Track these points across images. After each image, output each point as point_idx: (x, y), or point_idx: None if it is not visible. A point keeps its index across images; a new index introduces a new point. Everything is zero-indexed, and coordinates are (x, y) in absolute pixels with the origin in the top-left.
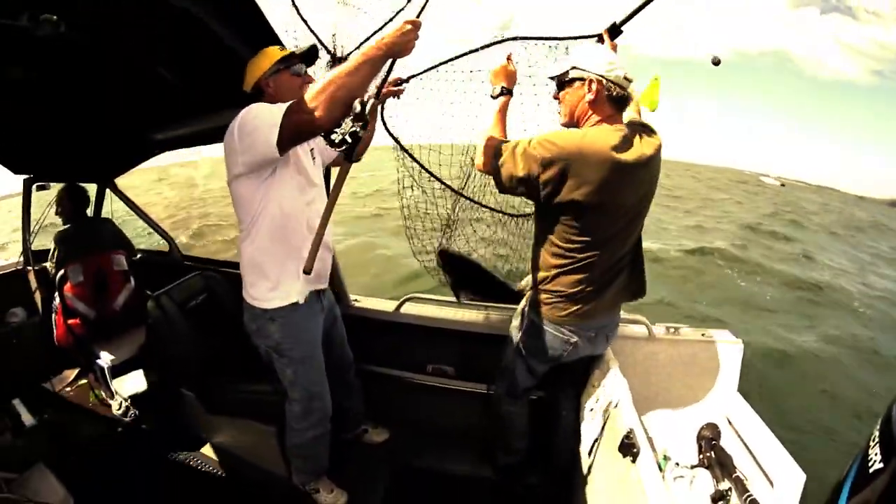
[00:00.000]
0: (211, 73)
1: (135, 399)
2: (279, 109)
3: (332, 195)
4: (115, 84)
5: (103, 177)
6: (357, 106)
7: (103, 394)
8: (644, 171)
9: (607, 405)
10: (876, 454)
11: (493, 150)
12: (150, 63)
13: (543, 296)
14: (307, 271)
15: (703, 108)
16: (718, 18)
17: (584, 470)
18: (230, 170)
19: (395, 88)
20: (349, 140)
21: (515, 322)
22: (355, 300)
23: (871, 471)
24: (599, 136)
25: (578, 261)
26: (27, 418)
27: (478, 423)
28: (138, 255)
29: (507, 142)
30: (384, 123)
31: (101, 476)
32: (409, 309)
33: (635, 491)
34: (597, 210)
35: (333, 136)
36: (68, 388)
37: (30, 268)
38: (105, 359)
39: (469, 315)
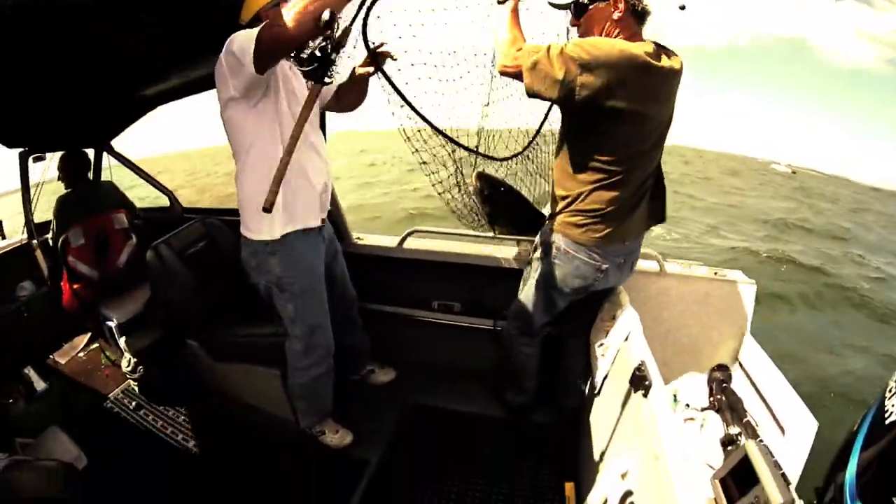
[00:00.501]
0: (194, 20)
1: (142, 354)
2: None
3: (300, 117)
4: (100, 43)
5: (98, 141)
6: (326, 15)
7: (114, 354)
8: (674, 85)
9: (619, 340)
10: (893, 405)
11: (521, 51)
12: (134, 15)
13: (576, 217)
14: (267, 208)
15: (718, 94)
16: (735, 4)
17: (595, 407)
18: (221, 96)
19: (385, 50)
20: (318, 55)
21: (537, 253)
22: (357, 238)
23: (887, 422)
24: (633, 46)
25: (613, 175)
26: (39, 385)
27: (485, 360)
28: (139, 214)
29: (535, 44)
30: (384, 75)
31: (113, 434)
32: (413, 244)
33: (648, 426)
34: (633, 119)
35: (303, 54)
36: (81, 354)
37: (34, 241)
38: (111, 318)
39: (475, 249)
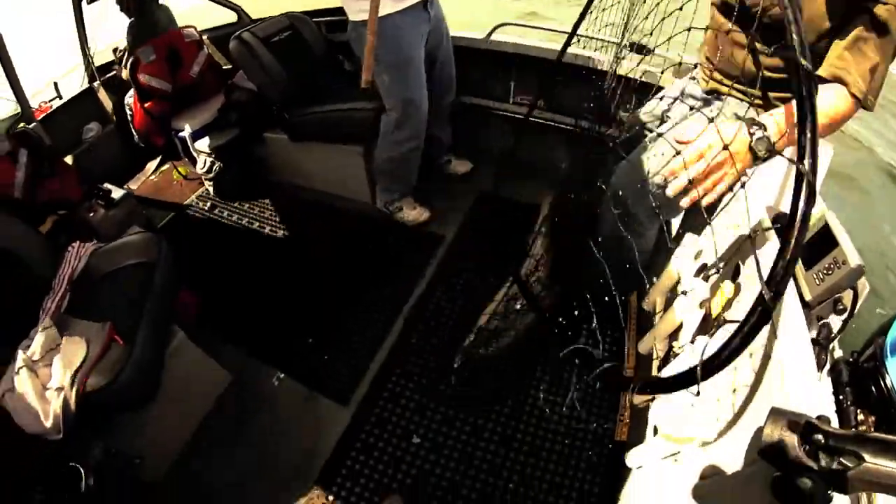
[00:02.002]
0: None
1: (217, 153)
2: None
3: None
4: None
5: None
6: None
7: (187, 168)
8: None
9: None
10: None
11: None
12: None
13: None
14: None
15: None
16: None
17: None
18: None
19: None
20: None
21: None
22: None
23: None
24: None
25: None
26: (116, 192)
27: (561, 158)
28: (206, 34)
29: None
30: None
31: (193, 234)
32: (500, 37)
33: None
34: None
35: None
36: (152, 177)
37: (96, 83)
38: (185, 127)
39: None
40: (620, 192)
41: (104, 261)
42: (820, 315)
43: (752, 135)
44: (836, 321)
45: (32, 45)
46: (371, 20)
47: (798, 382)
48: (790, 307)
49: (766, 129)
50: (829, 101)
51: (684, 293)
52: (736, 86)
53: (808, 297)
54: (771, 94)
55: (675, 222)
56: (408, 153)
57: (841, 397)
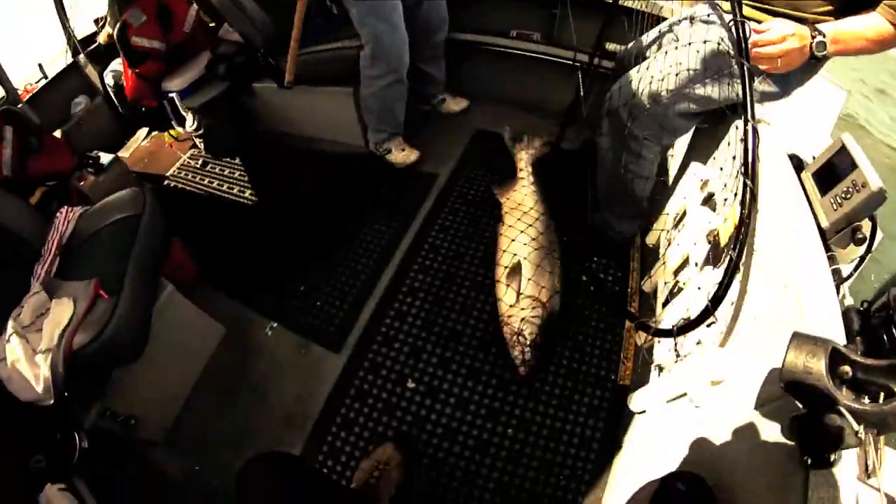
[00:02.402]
0: None
1: (206, 108)
2: None
3: None
4: None
5: None
6: None
7: (178, 128)
8: None
9: None
10: None
11: None
12: None
13: None
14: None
15: None
16: None
17: None
18: None
19: None
20: None
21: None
22: None
23: None
24: None
25: None
26: (105, 157)
27: (560, 94)
28: None
29: None
30: None
31: (184, 190)
32: None
33: None
34: None
35: None
36: (144, 142)
37: (81, 56)
38: (175, 85)
39: None
40: (620, 107)
41: (92, 221)
42: (834, 248)
43: (813, 37)
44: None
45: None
46: (296, 28)
47: (819, 311)
48: (806, 233)
49: (825, 36)
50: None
51: (688, 224)
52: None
53: (824, 224)
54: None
55: (678, 156)
56: (386, 89)
57: (851, 346)
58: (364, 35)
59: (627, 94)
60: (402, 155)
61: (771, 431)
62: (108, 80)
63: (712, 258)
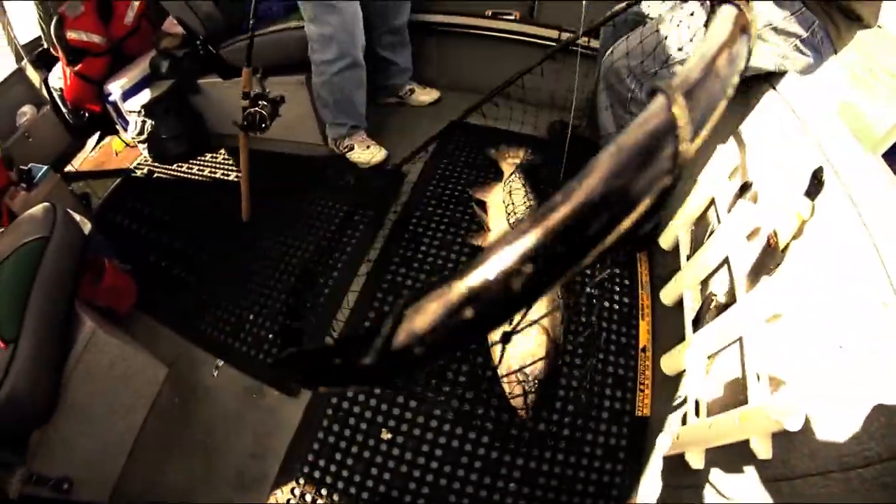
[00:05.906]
0: None
1: (149, 109)
2: None
3: None
4: None
5: None
6: None
7: (125, 136)
8: None
9: None
10: None
11: None
12: None
13: None
14: None
15: None
16: None
17: None
18: None
19: None
20: None
21: None
22: None
23: None
24: None
25: None
26: (37, 170)
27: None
28: None
29: None
30: None
31: (128, 205)
32: None
33: None
34: None
35: None
36: (92, 154)
37: (24, 62)
38: (118, 86)
39: None
40: (623, 75)
41: (2, 248)
42: None
43: None
44: None
45: None
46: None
47: None
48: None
49: None
50: None
51: (722, 223)
52: None
53: None
54: None
55: None
56: (340, 75)
57: None
58: (307, 13)
59: (631, 60)
60: (366, 153)
61: None
62: (54, 83)
63: (763, 265)
